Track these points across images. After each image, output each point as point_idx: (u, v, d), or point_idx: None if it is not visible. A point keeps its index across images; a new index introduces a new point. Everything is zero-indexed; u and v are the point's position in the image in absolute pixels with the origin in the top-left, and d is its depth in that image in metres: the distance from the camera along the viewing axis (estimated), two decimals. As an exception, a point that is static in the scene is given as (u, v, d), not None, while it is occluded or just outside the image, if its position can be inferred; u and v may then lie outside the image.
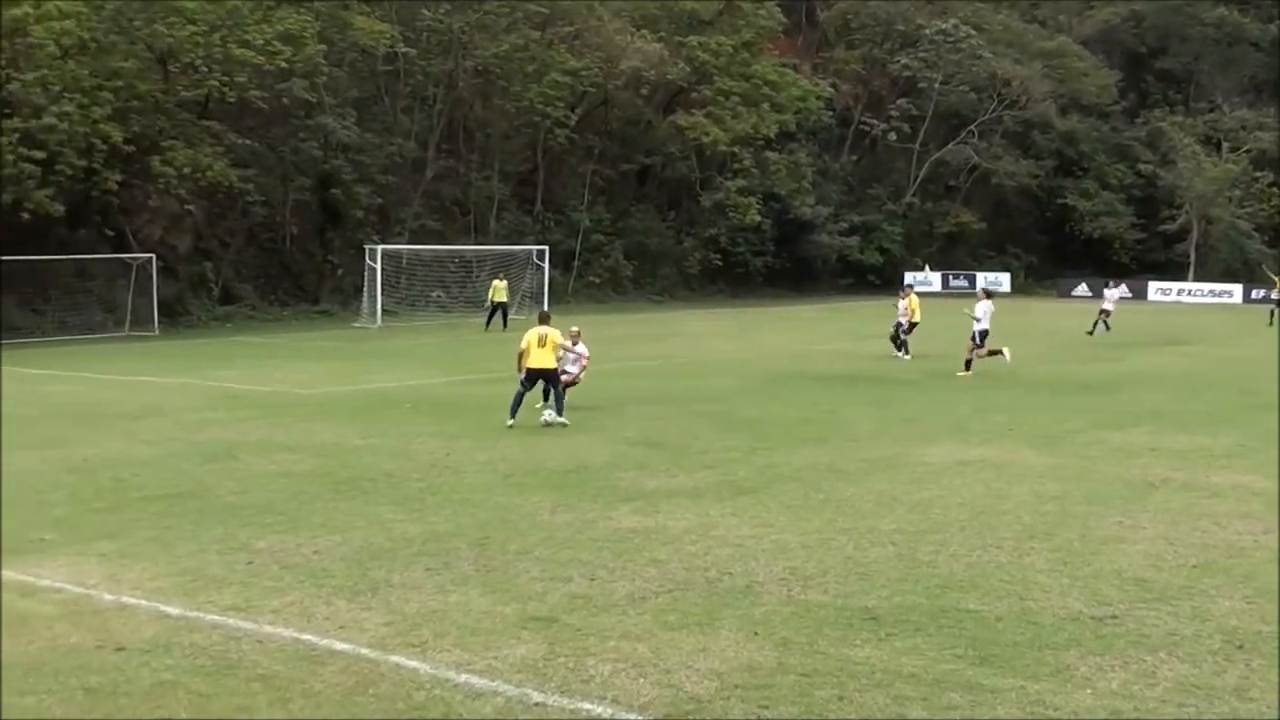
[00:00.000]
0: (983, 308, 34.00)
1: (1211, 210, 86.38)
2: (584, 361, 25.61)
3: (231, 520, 15.21)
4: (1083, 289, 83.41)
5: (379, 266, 54.67)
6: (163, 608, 11.60)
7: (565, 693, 9.46)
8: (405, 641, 10.60)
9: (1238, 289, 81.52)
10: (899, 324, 37.97)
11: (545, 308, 57.58)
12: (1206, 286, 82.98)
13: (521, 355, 23.75)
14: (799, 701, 9.30)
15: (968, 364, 33.27)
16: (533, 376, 23.73)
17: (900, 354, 37.92)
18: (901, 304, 38.42)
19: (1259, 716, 9.19)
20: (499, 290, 51.92)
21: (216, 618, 11.29)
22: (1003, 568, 13.03)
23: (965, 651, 10.36)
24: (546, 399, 24.14)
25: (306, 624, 11.11)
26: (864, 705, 9.25)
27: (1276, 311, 55.50)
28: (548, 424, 23.34)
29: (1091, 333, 47.40)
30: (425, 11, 64.96)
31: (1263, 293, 69.00)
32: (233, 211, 58.17)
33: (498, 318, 50.56)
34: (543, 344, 23.67)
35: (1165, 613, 11.49)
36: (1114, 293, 51.65)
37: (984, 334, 33.75)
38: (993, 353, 33.52)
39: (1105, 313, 48.62)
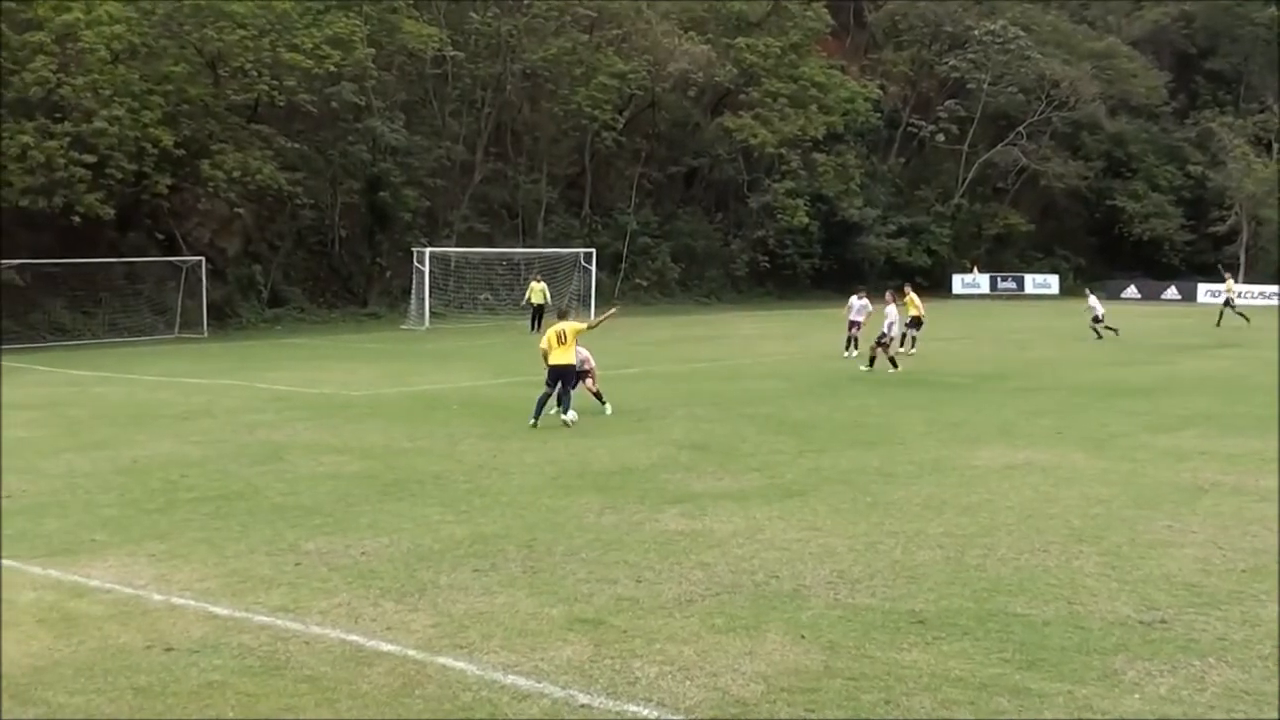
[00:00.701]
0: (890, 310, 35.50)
1: (1262, 211, 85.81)
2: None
3: (280, 521, 15.28)
4: (1132, 291, 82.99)
5: (427, 269, 54.87)
6: (211, 608, 11.66)
7: (612, 695, 9.45)
8: (452, 643, 10.61)
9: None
10: (882, 332, 35.34)
11: (592, 310, 57.87)
12: (1256, 288, 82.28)
13: (545, 355, 23.89)
14: (846, 705, 9.28)
15: (872, 361, 34.22)
16: (553, 375, 23.75)
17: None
18: (890, 309, 36.38)
19: (1310, 722, 9.13)
20: (537, 292, 52.13)
21: (264, 618, 11.33)
22: (1050, 571, 12.96)
23: (1013, 655, 10.31)
24: (560, 403, 23.92)
25: (354, 625, 11.15)
26: (911, 709, 9.22)
27: (1226, 310, 55.34)
28: (569, 424, 23.31)
29: (1101, 336, 46.74)
30: (474, 15, 65.21)
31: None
32: (281, 214, 58.52)
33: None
34: (562, 341, 23.69)
35: (1214, 618, 11.39)
36: (1094, 299, 51.73)
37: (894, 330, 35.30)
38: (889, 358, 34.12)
39: (1097, 319, 47.98)
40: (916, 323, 40.85)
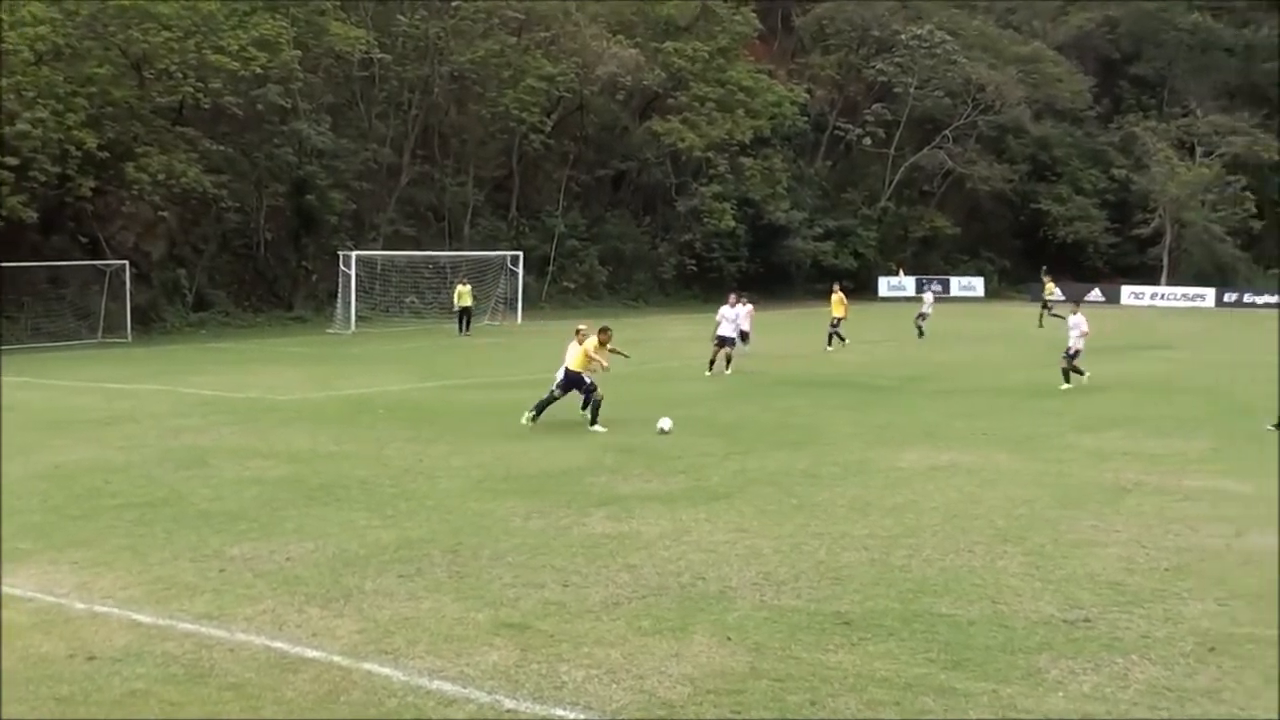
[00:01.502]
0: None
1: (1184, 214, 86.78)
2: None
3: (204, 527, 15.16)
4: (1057, 294, 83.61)
5: (353, 272, 54.60)
6: (135, 616, 11.55)
7: (538, 699, 9.45)
8: (378, 649, 10.58)
9: (1210, 292, 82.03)
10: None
11: (519, 313, 57.84)
12: (1180, 290, 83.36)
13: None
14: (771, 707, 9.31)
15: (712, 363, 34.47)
16: (566, 380, 24.11)
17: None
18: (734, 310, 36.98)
19: (1230, 718, 9.22)
20: (464, 295, 52.16)
21: (189, 626, 11.24)
22: (975, 572, 13.06)
23: (938, 655, 10.38)
24: (583, 408, 24.16)
25: (279, 632, 11.08)
26: (836, 710, 9.27)
27: (1045, 312, 56.10)
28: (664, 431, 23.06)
29: (921, 335, 48.57)
30: (401, 17, 64.87)
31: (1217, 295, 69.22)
32: (207, 218, 57.98)
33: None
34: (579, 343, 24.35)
35: (1138, 616, 11.53)
36: (929, 295, 52.44)
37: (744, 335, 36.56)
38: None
39: (922, 316, 49.10)
40: (836, 322, 43.79)
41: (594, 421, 23.51)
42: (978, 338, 49.96)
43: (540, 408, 23.91)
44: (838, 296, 44.56)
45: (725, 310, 35.05)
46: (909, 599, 12.04)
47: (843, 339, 44.03)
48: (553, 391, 24.11)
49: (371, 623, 11.30)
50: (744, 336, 38.09)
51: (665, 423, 23.05)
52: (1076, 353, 31.46)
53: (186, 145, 53.53)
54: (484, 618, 11.40)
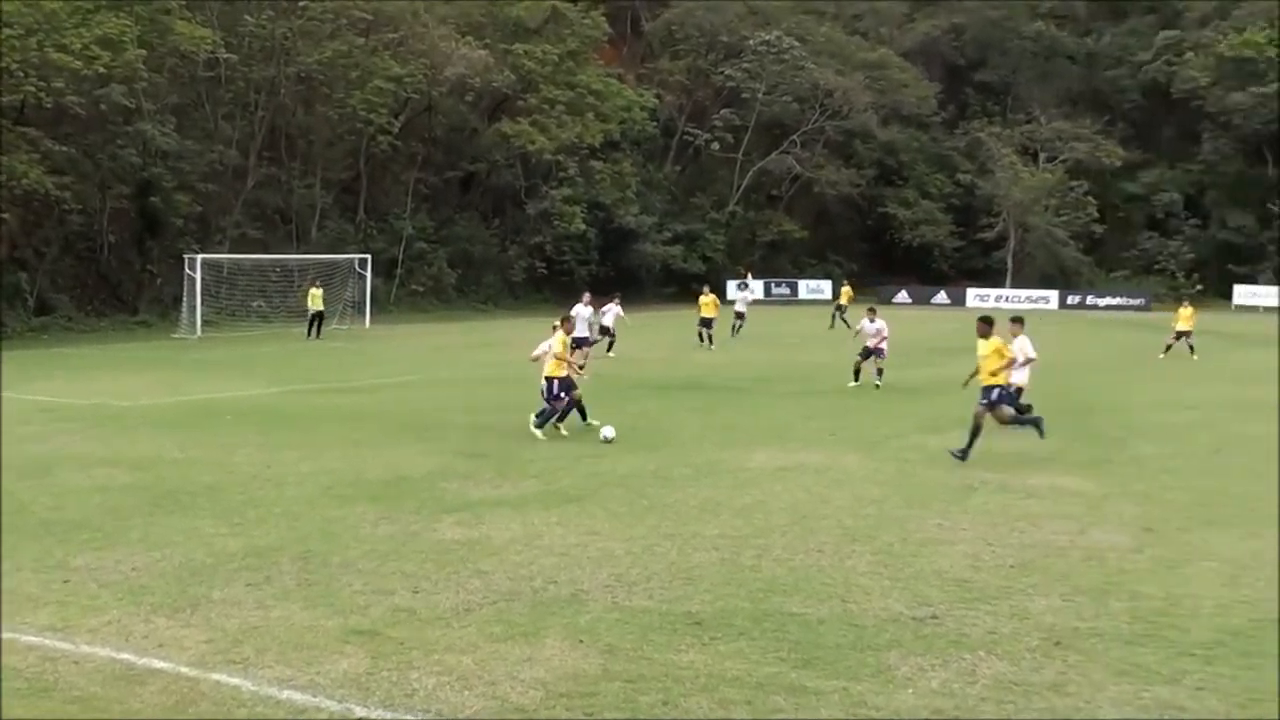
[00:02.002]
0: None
1: (1028, 218, 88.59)
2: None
3: (47, 537, 14.83)
4: (904, 296, 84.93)
5: (199, 276, 53.88)
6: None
7: (389, 706, 9.38)
8: (226, 659, 10.43)
9: (1054, 295, 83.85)
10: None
11: (367, 317, 57.42)
12: (1024, 292, 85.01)
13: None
14: (624, 708, 9.33)
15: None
16: (550, 389, 23.51)
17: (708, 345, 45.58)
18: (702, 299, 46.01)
19: (1075, 711, 9.40)
20: (316, 298, 51.74)
21: (32, 638, 10.99)
22: (825, 571, 13.19)
23: (788, 654, 10.47)
24: (582, 416, 23.72)
25: (125, 643, 10.88)
26: (689, 709, 9.31)
27: (837, 315, 58.01)
28: (608, 440, 22.35)
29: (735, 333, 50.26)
30: (248, 17, 64.12)
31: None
32: (49, 220, 56.78)
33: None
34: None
35: (984, 612, 11.72)
36: (744, 295, 53.38)
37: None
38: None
39: (740, 315, 50.42)
40: (708, 323, 46.06)
41: (562, 419, 23.36)
42: (824, 340, 50.45)
43: (544, 417, 23.33)
44: (711, 299, 46.66)
45: (579, 309, 35.17)
46: (759, 598, 12.13)
47: (711, 341, 45.82)
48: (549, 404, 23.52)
49: (220, 632, 11.14)
50: (604, 331, 38.95)
51: (608, 431, 22.55)
52: (875, 352, 32.11)
53: (28, 146, 52.37)
54: (334, 625, 11.30)
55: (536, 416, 23.16)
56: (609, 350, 40.68)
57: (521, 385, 31.64)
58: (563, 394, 23.37)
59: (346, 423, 23.82)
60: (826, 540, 14.55)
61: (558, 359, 23.45)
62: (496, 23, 76.92)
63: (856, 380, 31.83)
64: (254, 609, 11.86)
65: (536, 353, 24.26)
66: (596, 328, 35.32)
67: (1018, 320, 25.37)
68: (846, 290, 62.07)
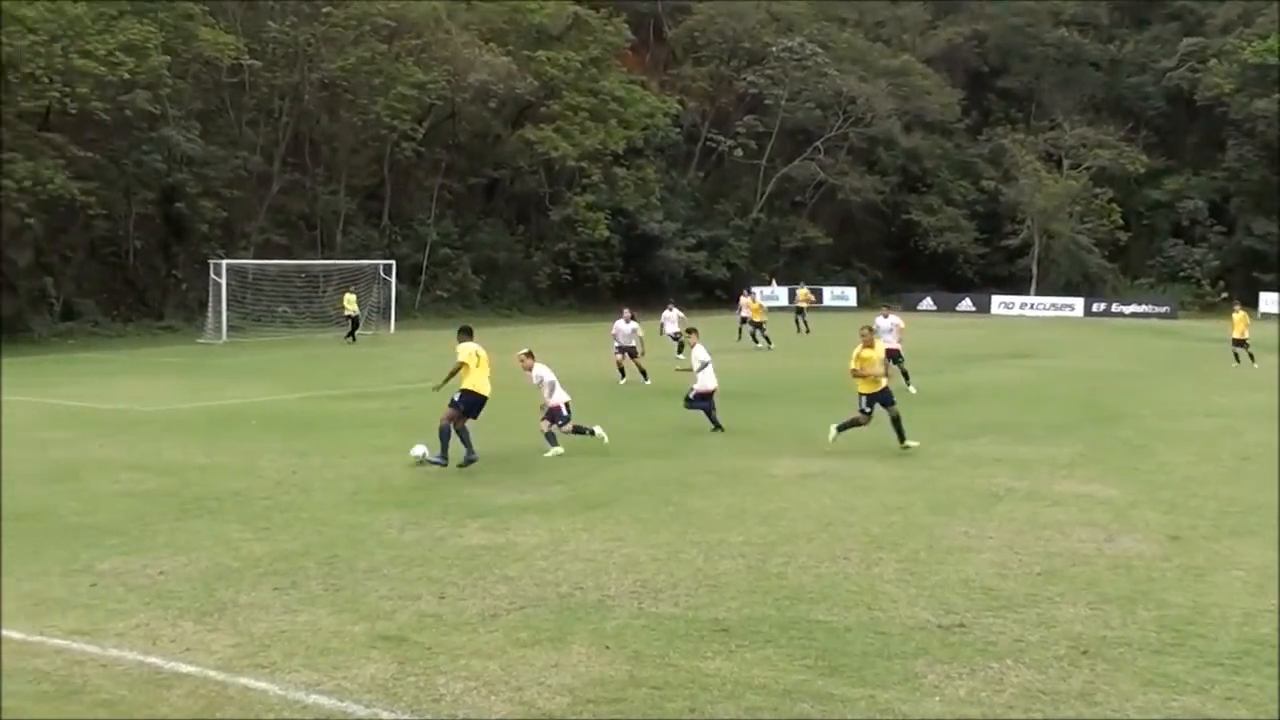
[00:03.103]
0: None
1: (1052, 225, 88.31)
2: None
3: (75, 542, 14.89)
4: (928, 303, 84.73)
5: (224, 281, 54.06)
6: (4, 632, 11.30)
7: (415, 712, 9.39)
8: (253, 663, 10.45)
9: (1079, 302, 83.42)
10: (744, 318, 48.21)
11: (392, 322, 57.54)
12: (1048, 300, 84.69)
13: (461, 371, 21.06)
14: (651, 714, 9.32)
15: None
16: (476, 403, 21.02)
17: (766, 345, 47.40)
18: (744, 299, 49.54)
19: (1101, 721, 9.38)
20: (351, 303, 52.09)
21: (60, 642, 11.03)
22: (851, 578, 13.16)
23: (815, 662, 10.44)
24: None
25: (152, 647, 10.91)
26: (715, 716, 9.29)
27: (800, 320, 57.91)
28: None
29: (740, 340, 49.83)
30: (271, 23, 64.31)
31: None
32: (74, 225, 57.02)
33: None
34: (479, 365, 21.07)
35: (1011, 620, 11.67)
36: (746, 303, 52.64)
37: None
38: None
39: (749, 322, 50.45)
40: (759, 325, 48.15)
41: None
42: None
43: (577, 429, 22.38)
44: (757, 304, 49.34)
45: (620, 324, 35.10)
46: (786, 606, 12.10)
47: (769, 341, 48.05)
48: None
49: (246, 636, 11.16)
50: (674, 337, 41.26)
51: (419, 450, 21.00)
52: (894, 356, 32.18)
53: (53, 151, 52.61)
54: (360, 630, 11.31)
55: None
56: (679, 353, 40.69)
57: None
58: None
59: (371, 428, 23.85)
60: (853, 547, 14.52)
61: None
62: (519, 29, 77.04)
63: (909, 384, 31.67)
64: (281, 613, 11.89)
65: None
66: (639, 339, 35.05)
67: (692, 331, 28.34)
68: (804, 293, 62.37)
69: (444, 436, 20.32)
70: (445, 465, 20.20)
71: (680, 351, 40.45)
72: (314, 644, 10.92)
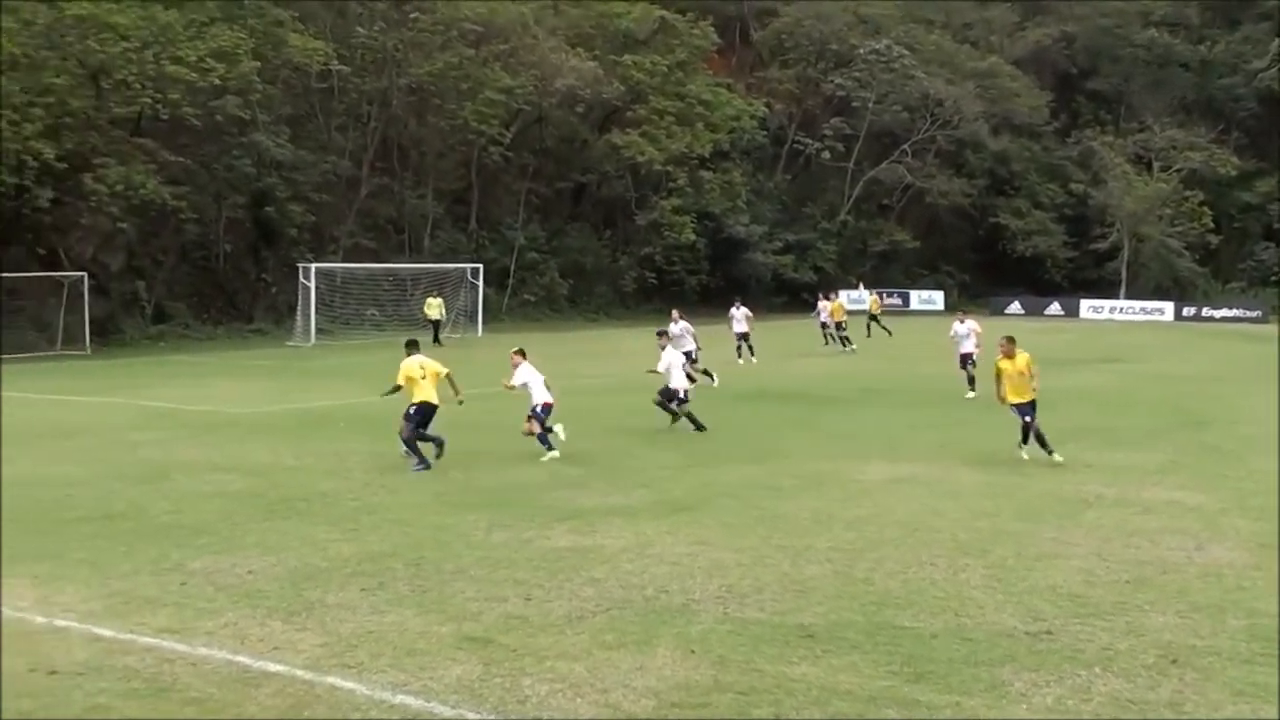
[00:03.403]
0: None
1: (1142, 229, 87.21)
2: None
3: (165, 541, 15.07)
4: (1016, 307, 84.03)
5: (313, 285, 54.49)
6: (96, 630, 11.47)
7: (501, 713, 9.42)
8: (341, 662, 10.53)
9: (1169, 306, 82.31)
10: (824, 323, 48.38)
11: (480, 326, 57.81)
12: (1138, 304, 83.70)
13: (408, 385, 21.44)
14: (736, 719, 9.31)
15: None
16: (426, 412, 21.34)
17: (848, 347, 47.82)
18: (823, 304, 50.20)
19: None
20: (433, 307, 52.39)
21: (150, 640, 11.17)
22: (937, 584, 13.08)
23: (901, 668, 10.39)
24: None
25: (241, 646, 11.02)
26: (800, 722, 9.28)
27: (874, 325, 56.85)
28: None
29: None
30: (359, 29, 64.83)
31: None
32: (165, 229, 57.73)
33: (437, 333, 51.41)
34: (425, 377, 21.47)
35: (1099, 628, 11.56)
36: (825, 305, 52.18)
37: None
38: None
39: (839, 326, 49.65)
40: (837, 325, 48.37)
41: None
42: (935, 351, 50.04)
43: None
44: (838, 303, 50.13)
45: (673, 327, 34.68)
46: (872, 612, 12.05)
47: (848, 342, 48.37)
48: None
49: (334, 636, 11.25)
50: (743, 337, 41.65)
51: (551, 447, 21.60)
52: (968, 358, 32.68)
53: (145, 156, 53.31)
54: (447, 631, 11.37)
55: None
56: (752, 356, 41.18)
57: (622, 395, 31.70)
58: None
59: (457, 430, 23.90)
60: (939, 553, 14.43)
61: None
62: (605, 34, 77.22)
63: (973, 389, 31.46)
64: (368, 614, 11.97)
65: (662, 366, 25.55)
66: (694, 340, 34.93)
67: (663, 333, 28.89)
68: (874, 299, 61.75)
69: (410, 445, 20.98)
70: (430, 468, 20.65)
71: (752, 354, 40.70)
72: (400, 644, 10.99)
